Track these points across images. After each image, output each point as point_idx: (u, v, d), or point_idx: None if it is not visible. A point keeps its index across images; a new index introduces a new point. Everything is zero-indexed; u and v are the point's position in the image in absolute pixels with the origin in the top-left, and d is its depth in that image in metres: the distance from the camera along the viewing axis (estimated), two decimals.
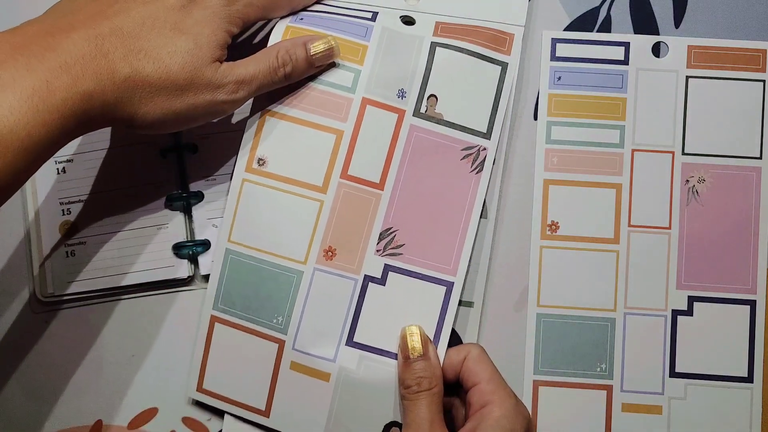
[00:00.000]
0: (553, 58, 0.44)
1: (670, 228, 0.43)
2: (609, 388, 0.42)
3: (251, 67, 0.38)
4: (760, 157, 0.43)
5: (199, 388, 0.41)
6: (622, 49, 0.44)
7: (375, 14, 0.42)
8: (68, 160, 0.43)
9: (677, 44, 0.44)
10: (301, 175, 0.41)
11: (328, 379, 0.40)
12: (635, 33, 0.44)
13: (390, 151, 0.41)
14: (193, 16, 0.37)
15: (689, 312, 0.42)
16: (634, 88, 0.43)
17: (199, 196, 0.43)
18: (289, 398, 0.40)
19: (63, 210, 0.43)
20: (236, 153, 0.42)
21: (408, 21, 0.43)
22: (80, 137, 0.42)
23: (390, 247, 0.41)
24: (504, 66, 0.42)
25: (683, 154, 0.43)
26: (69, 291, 0.42)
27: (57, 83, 0.32)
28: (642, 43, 0.44)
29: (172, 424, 0.42)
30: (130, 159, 0.43)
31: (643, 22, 0.44)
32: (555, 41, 0.44)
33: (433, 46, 0.42)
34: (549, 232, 0.43)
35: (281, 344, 0.40)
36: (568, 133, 0.43)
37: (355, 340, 0.40)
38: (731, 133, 0.43)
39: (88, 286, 0.42)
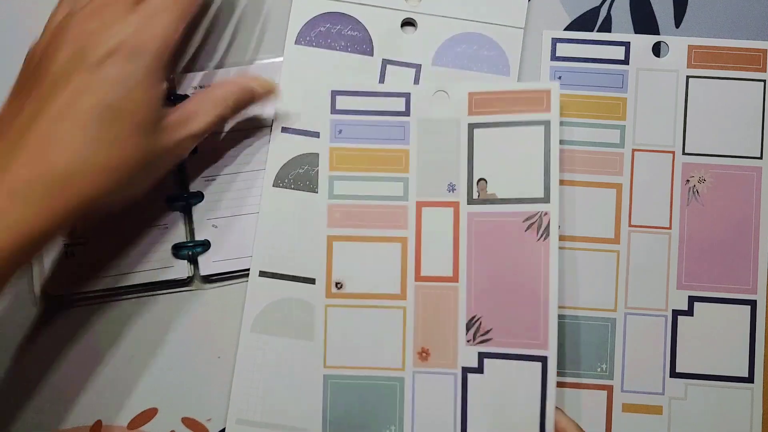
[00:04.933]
0: (554, 57, 0.44)
1: (670, 228, 0.43)
2: (609, 389, 0.42)
3: (200, 121, 0.38)
4: (761, 157, 0.43)
5: None
6: (622, 48, 0.44)
7: (408, 98, 0.42)
8: None
9: (677, 44, 0.44)
10: (378, 288, 0.42)
11: None
12: (635, 33, 0.44)
13: (455, 243, 0.41)
14: (119, 88, 0.34)
15: (689, 312, 0.42)
16: (635, 87, 0.43)
17: (199, 197, 0.43)
18: None
19: None
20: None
21: (409, 22, 0.43)
22: None
23: (479, 334, 0.41)
24: (546, 124, 0.41)
25: (684, 153, 0.43)
26: (68, 291, 0.42)
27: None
28: (642, 42, 0.44)
29: (172, 424, 0.42)
30: None
31: (644, 21, 0.44)
32: (555, 41, 0.44)
33: (471, 127, 0.41)
34: None
35: None
36: (569, 132, 0.43)
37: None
38: (732, 133, 0.43)
39: (88, 286, 0.42)
